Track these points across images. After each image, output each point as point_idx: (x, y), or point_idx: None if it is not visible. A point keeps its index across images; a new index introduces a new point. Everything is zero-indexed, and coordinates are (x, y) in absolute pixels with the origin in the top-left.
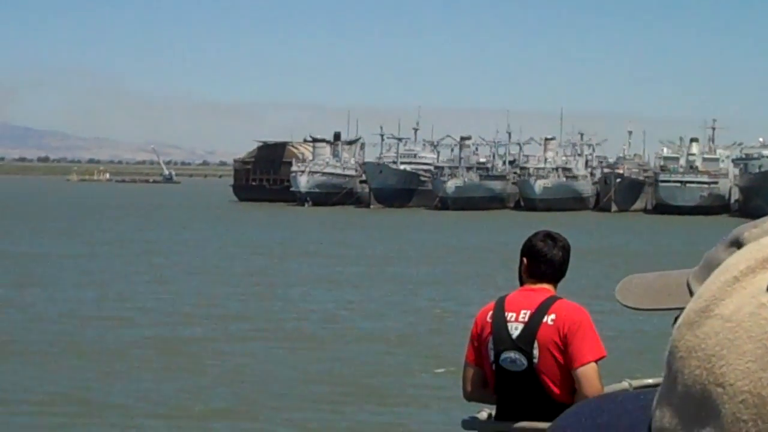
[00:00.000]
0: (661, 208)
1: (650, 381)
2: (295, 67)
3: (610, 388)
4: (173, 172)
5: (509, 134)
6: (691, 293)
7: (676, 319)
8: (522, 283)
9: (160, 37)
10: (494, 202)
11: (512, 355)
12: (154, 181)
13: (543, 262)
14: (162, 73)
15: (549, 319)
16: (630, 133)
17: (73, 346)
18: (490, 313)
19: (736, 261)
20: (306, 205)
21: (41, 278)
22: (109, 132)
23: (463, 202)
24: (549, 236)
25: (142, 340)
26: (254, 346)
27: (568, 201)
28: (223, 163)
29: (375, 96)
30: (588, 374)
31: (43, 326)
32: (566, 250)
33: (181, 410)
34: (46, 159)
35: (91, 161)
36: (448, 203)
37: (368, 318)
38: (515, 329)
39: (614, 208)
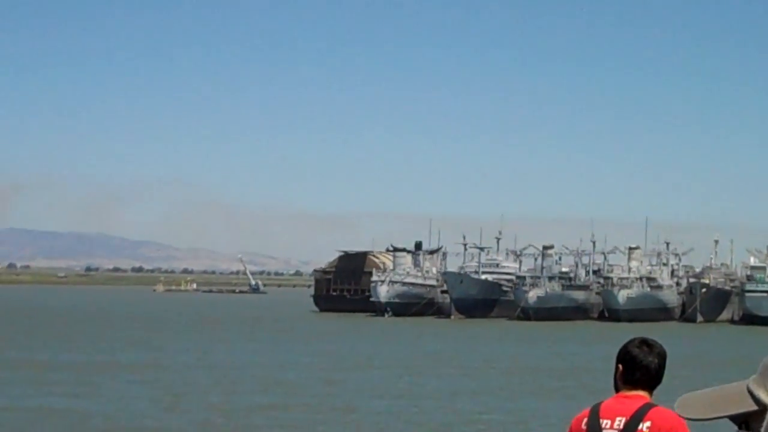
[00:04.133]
0: (748, 319)
1: None
2: (383, 176)
3: None
4: (260, 283)
5: (593, 243)
6: (754, 398)
7: (739, 426)
8: (617, 390)
9: (256, 150)
10: (577, 312)
11: None
12: (240, 292)
13: (638, 368)
14: (258, 184)
15: (644, 426)
16: (716, 242)
17: None
18: (585, 420)
19: None
20: (386, 315)
21: (99, 388)
22: (206, 242)
23: (545, 312)
24: (645, 342)
25: None
26: None
27: (652, 311)
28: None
29: (457, 204)
30: None
31: None
32: (662, 356)
33: None
34: (139, 269)
35: (185, 271)
36: (529, 314)
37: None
38: None
39: (700, 318)
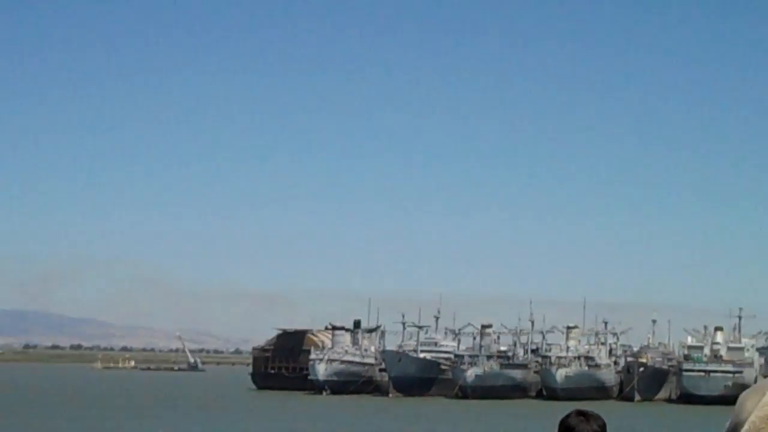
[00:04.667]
0: (686, 398)
1: None
2: (322, 254)
3: None
4: (199, 360)
5: (532, 322)
6: None
7: None
8: None
9: (194, 228)
10: (515, 391)
11: None
12: (179, 369)
13: None
14: (198, 262)
15: None
16: (654, 321)
17: None
18: None
19: None
20: (324, 393)
21: None
22: (145, 320)
23: (483, 390)
24: (581, 413)
25: None
26: None
27: (590, 390)
28: None
29: (396, 283)
30: None
31: None
32: (600, 426)
33: None
34: (78, 347)
35: (124, 349)
36: (467, 392)
37: None
38: None
39: (638, 397)
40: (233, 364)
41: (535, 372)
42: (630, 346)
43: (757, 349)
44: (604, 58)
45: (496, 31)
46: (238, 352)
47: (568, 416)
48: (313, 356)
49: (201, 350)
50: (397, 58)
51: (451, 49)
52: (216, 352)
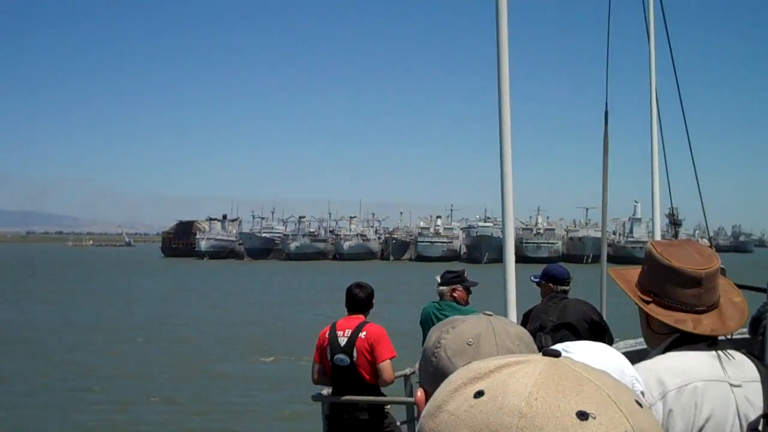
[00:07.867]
0: (419, 258)
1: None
2: (203, 166)
3: (399, 373)
4: (131, 240)
5: (330, 214)
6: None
7: None
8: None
9: (139, 148)
10: (320, 255)
11: (341, 356)
12: (119, 245)
13: (352, 301)
14: (136, 174)
15: (362, 334)
16: (401, 213)
17: None
18: (328, 331)
19: (456, 377)
20: (205, 259)
21: None
22: (103, 215)
23: (301, 255)
24: (358, 285)
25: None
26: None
27: (364, 254)
28: None
29: (250, 189)
30: (385, 367)
31: None
32: (368, 294)
33: None
34: (60, 233)
35: (88, 233)
36: (291, 257)
37: (230, 328)
38: (342, 340)
39: (392, 258)
40: (154, 242)
41: (332, 244)
42: (388, 228)
43: (461, 229)
44: None
45: None
46: (159, 234)
47: (350, 286)
48: (198, 236)
49: (136, 233)
50: None
51: None
52: (146, 234)
